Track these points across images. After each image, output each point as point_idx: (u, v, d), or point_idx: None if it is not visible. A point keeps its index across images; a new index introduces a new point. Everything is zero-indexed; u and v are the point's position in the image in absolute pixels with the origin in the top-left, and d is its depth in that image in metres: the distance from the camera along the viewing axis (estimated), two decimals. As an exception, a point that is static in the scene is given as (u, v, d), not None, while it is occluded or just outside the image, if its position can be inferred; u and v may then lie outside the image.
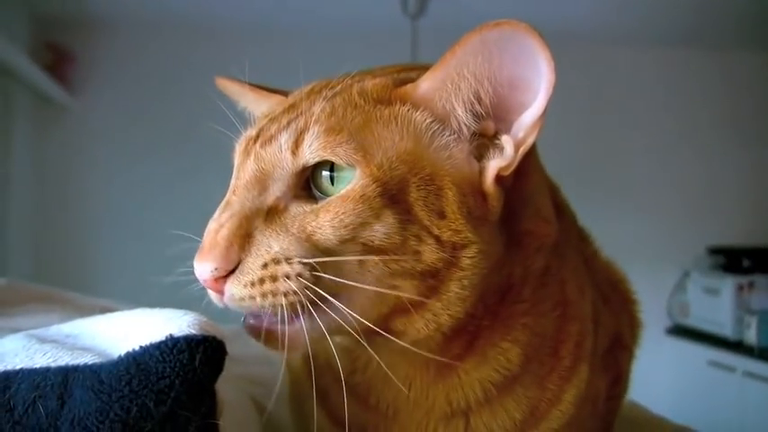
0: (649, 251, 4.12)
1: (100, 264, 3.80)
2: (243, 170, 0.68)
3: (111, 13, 3.82)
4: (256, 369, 1.18)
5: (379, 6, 3.52)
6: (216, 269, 0.63)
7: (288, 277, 0.62)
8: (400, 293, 0.65)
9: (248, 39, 3.85)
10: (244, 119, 0.80)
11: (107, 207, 3.82)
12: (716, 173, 4.32)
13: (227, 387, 0.91)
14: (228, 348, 1.15)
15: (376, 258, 0.63)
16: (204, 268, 0.63)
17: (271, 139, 0.67)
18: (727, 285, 3.73)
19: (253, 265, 0.63)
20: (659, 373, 3.99)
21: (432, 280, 0.65)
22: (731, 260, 4.00)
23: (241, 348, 1.15)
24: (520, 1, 3.50)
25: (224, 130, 0.75)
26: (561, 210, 0.80)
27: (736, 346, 3.64)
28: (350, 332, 0.64)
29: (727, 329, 3.70)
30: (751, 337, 3.56)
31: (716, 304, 3.79)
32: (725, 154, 4.33)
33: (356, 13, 3.75)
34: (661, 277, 4.09)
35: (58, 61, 3.68)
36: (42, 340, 0.65)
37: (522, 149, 0.66)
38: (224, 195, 0.69)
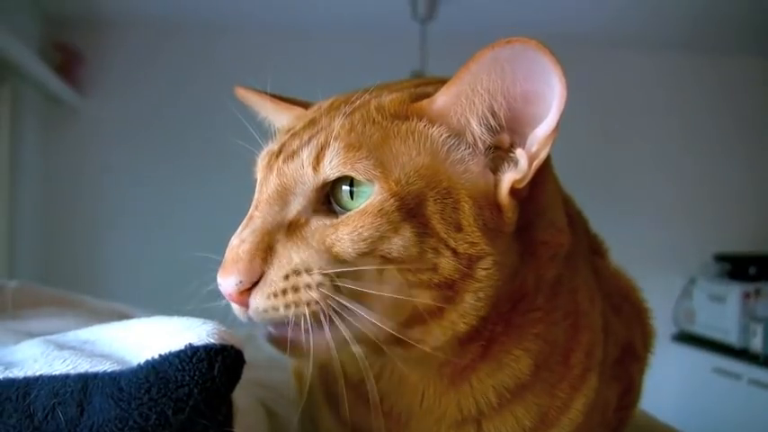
0: (655, 258, 4.12)
1: (109, 265, 3.81)
2: (266, 185, 0.70)
3: (122, 13, 3.83)
4: (266, 374, 1.18)
5: (388, 10, 3.53)
6: (240, 282, 0.64)
7: (309, 287, 0.64)
8: (417, 303, 0.66)
9: (259, 40, 3.87)
10: (263, 128, 0.82)
11: (117, 208, 3.83)
12: (722, 179, 4.31)
13: (238, 392, 0.91)
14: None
15: (394, 270, 0.64)
16: (229, 282, 0.64)
17: (293, 154, 0.69)
18: (733, 292, 3.73)
19: (275, 277, 0.65)
20: (664, 379, 3.98)
21: (448, 291, 0.66)
22: (737, 267, 4.00)
23: (252, 353, 1.16)
24: (525, 5, 3.52)
25: (241, 141, 0.76)
26: (573, 219, 0.81)
27: (742, 354, 3.64)
28: (369, 340, 0.66)
29: (732, 337, 3.70)
30: (757, 344, 3.56)
31: (722, 311, 3.79)
32: (731, 160, 4.33)
33: (366, 16, 3.76)
34: (667, 284, 4.09)
35: (67, 62, 3.69)
36: (61, 346, 0.66)
37: (536, 163, 0.67)
38: (246, 206, 0.71)
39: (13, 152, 3.36)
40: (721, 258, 4.11)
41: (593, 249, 0.93)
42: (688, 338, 4.05)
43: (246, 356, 1.19)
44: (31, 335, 0.82)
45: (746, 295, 3.71)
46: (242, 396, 0.91)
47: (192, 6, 3.68)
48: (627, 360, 0.89)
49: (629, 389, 0.91)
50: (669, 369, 4.02)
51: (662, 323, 3.74)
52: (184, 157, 3.77)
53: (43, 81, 3.39)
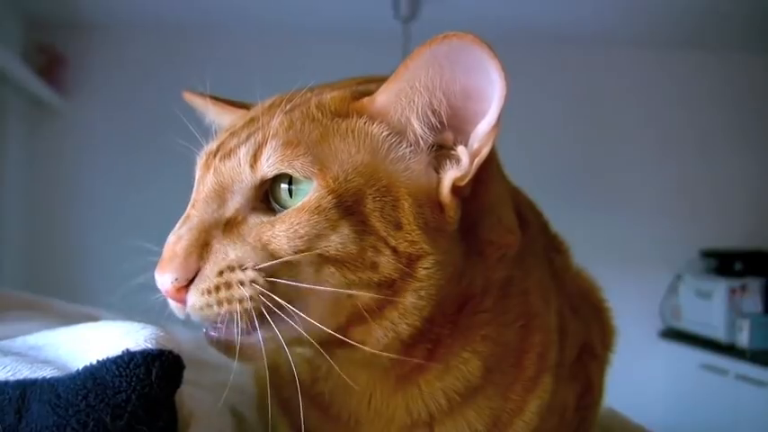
0: (642, 254, 4.12)
1: (92, 267, 3.79)
2: (203, 184, 0.69)
3: (104, 15, 3.82)
4: (237, 377, 1.18)
5: (370, 10, 3.53)
6: (176, 279, 0.64)
7: (242, 284, 0.63)
8: (357, 302, 0.65)
9: (239, 41, 3.86)
10: (209, 131, 0.81)
11: (100, 210, 3.82)
12: (709, 176, 4.31)
13: (204, 395, 0.91)
14: (211, 356, 1.15)
15: (332, 268, 0.64)
16: (165, 279, 0.64)
17: (230, 152, 0.68)
18: (720, 288, 3.73)
19: (210, 273, 0.64)
20: (652, 376, 4.00)
21: (388, 290, 0.65)
22: (723, 263, 3.99)
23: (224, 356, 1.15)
24: (510, 4, 3.52)
25: (187, 143, 0.76)
26: (526, 220, 0.80)
27: (729, 350, 3.64)
28: (309, 342, 0.65)
29: (719, 332, 3.70)
30: (743, 340, 3.56)
31: (708, 307, 3.79)
32: (719, 157, 4.32)
33: (348, 16, 3.75)
34: (653, 280, 4.10)
35: (50, 64, 3.68)
36: (5, 353, 0.66)
37: (478, 160, 0.66)
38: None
39: (-4, 154, 3.35)
40: (707, 254, 4.10)
41: (554, 249, 0.92)
42: (675, 335, 4.04)
43: (219, 360, 1.19)
44: (-5, 340, 0.82)
45: (733, 291, 3.70)
46: (210, 400, 0.91)
47: (173, 9, 3.67)
48: (585, 360, 0.89)
49: (589, 389, 0.90)
50: (656, 366, 4.04)
51: (649, 320, 3.75)
52: (167, 158, 3.74)
53: (26, 83, 3.38)
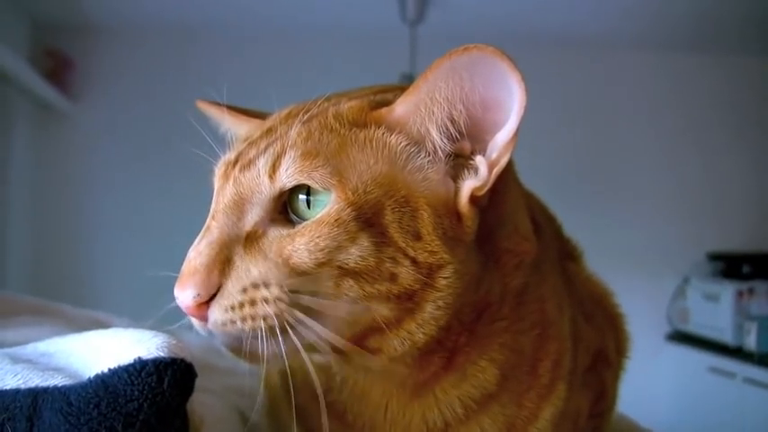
0: (649, 257, 4.11)
1: (98, 270, 3.79)
2: (222, 194, 0.69)
3: (111, 19, 3.82)
4: (248, 381, 1.17)
5: (377, 13, 3.53)
6: (198, 295, 0.63)
7: (266, 301, 0.63)
8: (375, 315, 0.65)
9: (247, 45, 3.86)
10: (217, 135, 0.80)
11: (107, 214, 3.82)
12: (716, 178, 4.30)
13: (214, 401, 0.91)
14: (222, 360, 1.15)
15: (351, 281, 0.63)
16: (186, 295, 0.63)
17: (249, 163, 0.68)
18: (727, 291, 3.72)
19: (233, 290, 0.64)
20: (659, 379, 3.98)
21: (408, 303, 0.65)
22: (731, 266, 3.98)
23: (231, 361, 1.15)
24: (513, 7, 3.51)
25: (196, 149, 0.75)
26: (540, 226, 0.80)
27: (736, 353, 3.62)
28: (325, 351, 0.65)
29: (727, 335, 3.69)
30: (751, 343, 3.54)
31: (716, 310, 3.78)
32: (725, 160, 4.31)
33: (355, 19, 3.75)
34: (661, 283, 4.09)
35: (57, 67, 3.69)
36: (15, 360, 0.65)
37: (496, 170, 0.66)
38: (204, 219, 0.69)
39: (2, 157, 3.35)
40: (715, 257, 4.10)
41: (567, 254, 0.92)
42: (682, 338, 4.03)
43: (229, 364, 1.19)
44: (3, 345, 0.82)
45: (740, 294, 3.69)
46: (220, 405, 0.91)
47: (180, 12, 3.68)
48: (599, 367, 0.88)
49: (602, 396, 0.90)
50: (664, 369, 4.02)
51: (656, 323, 3.74)
52: (174, 162, 3.75)
53: (33, 87, 3.39)
